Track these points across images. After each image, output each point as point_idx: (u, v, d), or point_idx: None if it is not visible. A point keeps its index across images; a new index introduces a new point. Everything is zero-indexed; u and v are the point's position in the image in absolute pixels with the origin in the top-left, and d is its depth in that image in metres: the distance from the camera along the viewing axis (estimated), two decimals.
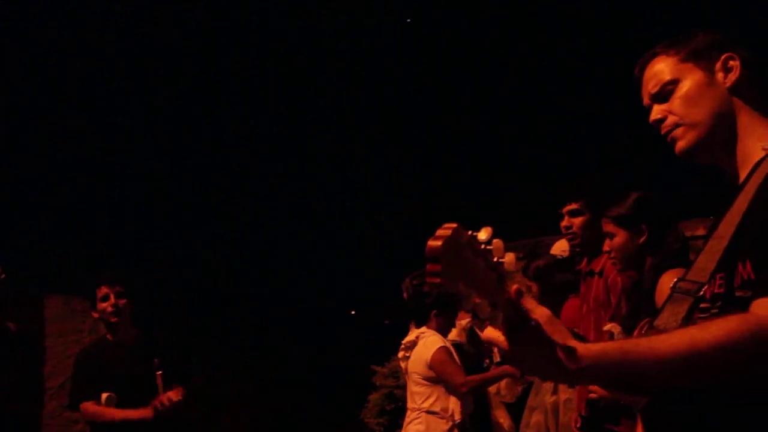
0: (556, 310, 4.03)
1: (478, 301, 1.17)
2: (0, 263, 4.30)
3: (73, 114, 6.55)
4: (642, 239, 2.99)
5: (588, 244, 3.52)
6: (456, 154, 8.11)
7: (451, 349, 4.89)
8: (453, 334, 5.29)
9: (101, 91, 6.59)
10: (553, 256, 4.89)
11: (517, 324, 1.25)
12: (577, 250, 3.84)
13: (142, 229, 7.23)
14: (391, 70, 7.54)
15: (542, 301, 4.19)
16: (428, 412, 4.81)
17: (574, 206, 3.56)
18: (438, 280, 1.08)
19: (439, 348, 4.79)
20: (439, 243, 1.08)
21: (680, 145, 1.63)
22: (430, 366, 4.78)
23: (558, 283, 4.42)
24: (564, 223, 3.59)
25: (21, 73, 6.20)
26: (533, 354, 1.26)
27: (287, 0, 6.58)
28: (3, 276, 4.28)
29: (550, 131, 7.59)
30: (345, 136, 7.94)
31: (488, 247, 1.20)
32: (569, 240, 3.67)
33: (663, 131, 1.66)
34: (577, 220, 3.55)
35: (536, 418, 4.33)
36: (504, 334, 1.26)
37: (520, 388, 4.65)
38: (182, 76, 6.85)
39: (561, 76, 7.20)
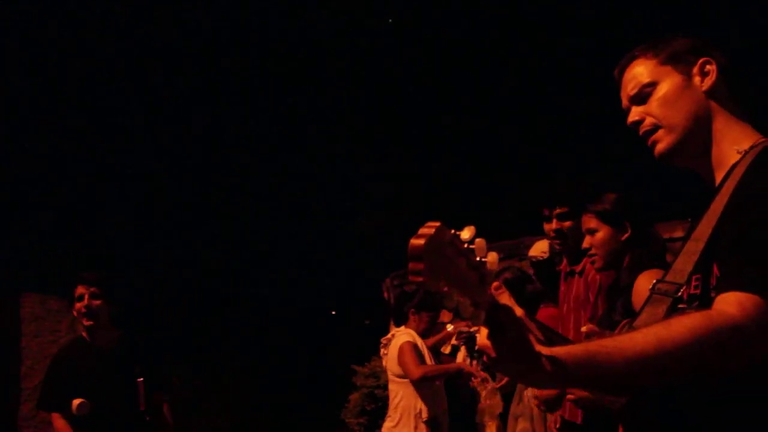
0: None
1: (460, 300, 1.16)
2: None
3: (61, 112, 6.48)
4: (625, 236, 2.99)
5: (575, 246, 3.55)
6: (439, 157, 8.14)
7: (419, 344, 4.94)
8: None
9: (92, 89, 6.53)
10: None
11: (498, 322, 1.25)
12: (557, 248, 3.86)
13: (123, 229, 7.17)
14: (373, 76, 7.55)
15: None
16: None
17: (564, 210, 3.58)
18: (420, 279, 1.07)
19: (403, 342, 4.85)
20: (421, 241, 1.07)
21: (659, 147, 1.65)
22: (399, 363, 4.87)
23: (528, 295, 4.44)
24: (553, 226, 3.60)
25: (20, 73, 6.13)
26: (512, 355, 1.26)
27: (287, 1, 6.56)
28: None
29: (533, 135, 7.64)
30: (329, 142, 7.93)
31: (471, 246, 1.19)
32: (558, 243, 3.68)
33: (641, 133, 1.68)
34: (567, 224, 3.57)
35: (522, 425, 4.34)
36: (487, 336, 1.25)
37: (498, 399, 4.66)
38: (181, 77, 6.81)
39: (544, 84, 7.25)
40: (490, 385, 4.55)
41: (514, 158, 7.80)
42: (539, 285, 4.66)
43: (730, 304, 1.33)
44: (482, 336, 1.29)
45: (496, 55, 7.20)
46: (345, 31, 6.94)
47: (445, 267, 1.11)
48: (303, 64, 7.16)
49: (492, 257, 1.24)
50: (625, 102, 1.73)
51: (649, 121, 1.66)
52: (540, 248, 5.11)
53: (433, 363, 5.05)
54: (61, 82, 6.26)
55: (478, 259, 1.21)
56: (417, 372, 4.80)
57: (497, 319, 1.24)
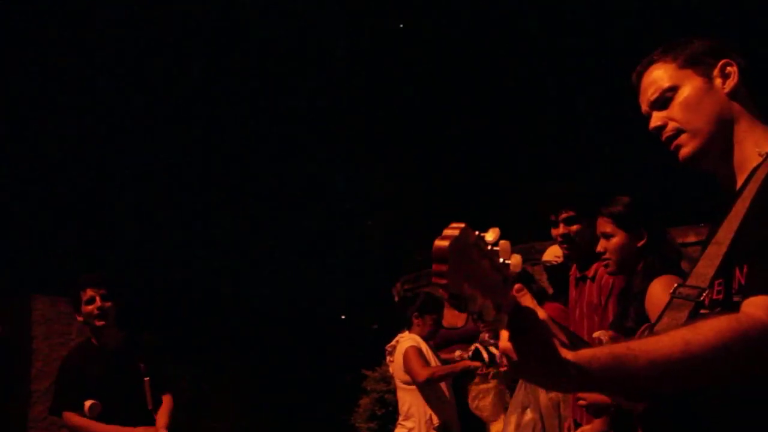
0: None
1: (484, 302, 1.15)
2: None
3: (66, 113, 6.52)
4: (641, 243, 2.95)
5: (583, 251, 3.51)
6: (450, 160, 8.13)
7: (423, 348, 4.90)
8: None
9: (97, 95, 6.57)
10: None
11: (520, 326, 1.23)
12: (566, 253, 3.82)
13: (134, 230, 7.19)
14: (379, 77, 7.55)
15: None
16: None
17: (571, 214, 3.54)
18: (444, 281, 1.05)
19: (408, 348, 4.81)
20: (446, 243, 1.06)
21: (684, 152, 1.63)
22: (405, 369, 4.83)
23: (534, 293, 4.40)
24: (560, 231, 3.56)
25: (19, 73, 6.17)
26: (534, 357, 1.25)
27: (288, 1, 6.58)
28: None
29: (544, 137, 7.62)
30: (339, 144, 7.94)
31: (495, 248, 1.17)
32: (566, 248, 3.65)
33: (664, 138, 1.66)
34: (574, 228, 3.53)
35: (530, 416, 4.26)
36: (509, 338, 1.24)
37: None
38: (180, 78, 6.83)
39: (553, 85, 7.24)
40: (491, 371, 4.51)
41: (525, 161, 7.78)
42: (542, 285, 4.63)
43: (759, 307, 1.31)
44: (503, 339, 1.28)
45: (507, 53, 7.20)
46: (347, 32, 6.95)
47: (468, 269, 1.10)
48: (304, 64, 7.18)
49: (515, 259, 1.22)
50: (644, 107, 1.70)
51: (671, 126, 1.64)
52: (553, 253, 5.07)
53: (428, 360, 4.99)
54: (65, 84, 6.29)
55: (501, 261, 1.19)
56: (423, 374, 4.74)
57: (520, 322, 1.23)
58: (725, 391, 1.39)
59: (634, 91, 1.75)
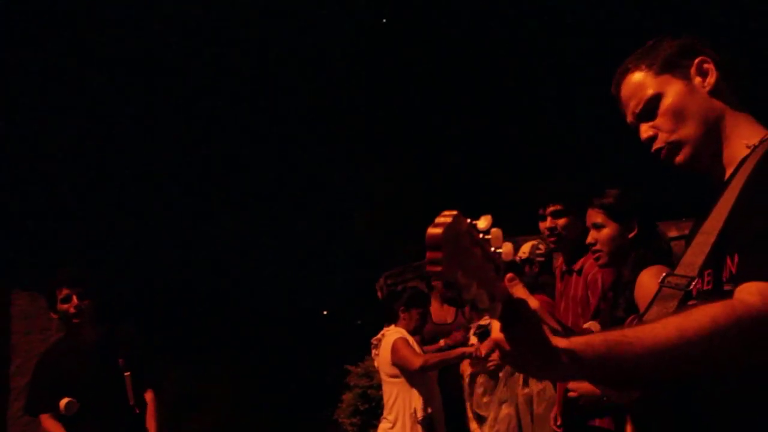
0: None
1: (477, 291, 1.13)
2: None
3: (55, 112, 6.44)
4: (632, 234, 2.95)
5: (570, 244, 3.53)
6: (435, 158, 8.13)
7: (410, 341, 4.90)
8: None
9: (95, 94, 6.50)
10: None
11: (512, 314, 1.22)
12: (552, 246, 3.83)
13: (118, 228, 7.12)
14: (369, 81, 7.54)
15: None
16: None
17: (558, 207, 3.55)
18: (439, 269, 1.04)
19: (396, 339, 4.79)
20: (440, 230, 1.04)
21: (678, 160, 1.64)
22: (392, 362, 4.81)
23: (524, 283, 4.41)
24: (547, 224, 3.57)
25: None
26: (526, 347, 1.24)
27: (288, 1, 6.55)
28: None
29: (529, 135, 7.65)
30: (323, 145, 7.92)
31: (487, 237, 1.16)
32: (553, 242, 3.67)
33: (654, 149, 1.66)
34: (561, 221, 3.55)
35: (506, 411, 4.30)
36: (501, 328, 1.23)
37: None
38: (179, 81, 6.77)
39: (541, 85, 7.26)
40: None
41: (510, 158, 7.81)
42: (531, 277, 4.64)
43: (752, 293, 1.31)
44: (495, 329, 1.27)
45: (495, 57, 7.22)
46: (345, 33, 6.93)
47: (462, 257, 1.08)
48: (304, 64, 7.15)
49: (507, 248, 1.21)
50: (630, 118, 1.70)
51: (662, 137, 1.64)
52: (525, 250, 5.13)
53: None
54: (62, 82, 6.22)
55: (493, 249, 1.18)
56: (417, 361, 4.68)
57: (512, 311, 1.22)
58: (719, 381, 1.39)
59: (615, 100, 1.74)
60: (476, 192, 7.89)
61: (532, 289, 4.27)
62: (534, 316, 1.24)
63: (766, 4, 5.83)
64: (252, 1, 6.45)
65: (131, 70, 6.47)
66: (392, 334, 4.96)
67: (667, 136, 1.62)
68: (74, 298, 4.08)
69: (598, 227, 3.00)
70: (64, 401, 3.97)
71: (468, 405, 4.87)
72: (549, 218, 3.57)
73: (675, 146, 1.62)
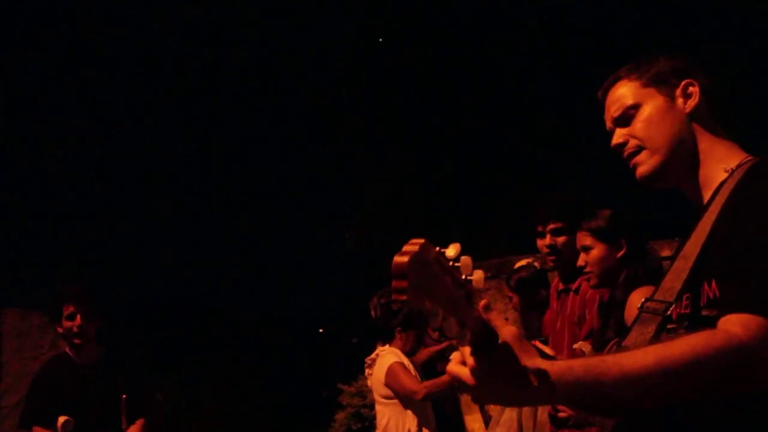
0: (537, 323, 4.01)
1: (445, 318, 1.13)
2: None
3: (52, 122, 6.44)
4: (620, 254, 2.97)
5: (568, 263, 3.52)
6: (428, 175, 8.14)
7: (406, 363, 4.85)
8: None
9: (89, 95, 6.50)
10: (535, 267, 4.87)
11: (486, 342, 1.22)
12: (551, 264, 3.82)
13: (108, 243, 7.10)
14: (365, 78, 7.55)
15: (523, 313, 4.10)
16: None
17: (558, 225, 3.54)
18: (404, 297, 1.04)
19: (391, 363, 4.75)
20: (405, 259, 1.05)
21: (642, 170, 1.66)
22: (386, 383, 4.75)
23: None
24: (546, 241, 3.55)
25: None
26: (500, 373, 1.24)
27: (287, 3, 6.57)
28: None
29: (525, 137, 7.65)
30: (319, 154, 7.92)
31: (456, 264, 1.16)
32: (552, 260, 3.65)
33: (625, 155, 1.68)
34: (561, 239, 3.53)
35: (508, 414, 4.24)
36: (471, 353, 1.22)
37: None
38: (177, 84, 6.78)
39: (536, 100, 7.29)
40: None
41: (510, 161, 7.82)
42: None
43: (734, 324, 1.31)
44: (454, 361, 1.26)
45: (488, 69, 7.25)
46: (344, 34, 6.96)
47: (429, 285, 1.09)
48: (301, 68, 7.17)
49: (478, 275, 1.20)
50: (608, 124, 1.73)
51: (632, 143, 1.66)
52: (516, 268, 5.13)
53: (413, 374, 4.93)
54: (57, 85, 6.23)
55: (464, 277, 1.18)
56: (420, 391, 4.57)
57: (484, 339, 1.21)
58: (700, 409, 1.38)
59: (600, 107, 1.77)
60: (476, 195, 7.89)
61: (529, 308, 4.25)
62: (508, 345, 1.23)
63: (765, 3, 5.87)
64: (252, 3, 6.49)
65: (131, 71, 6.48)
66: (387, 355, 4.89)
67: (637, 143, 1.65)
68: (79, 317, 4.06)
69: (587, 250, 3.04)
70: (61, 419, 3.90)
71: (465, 419, 4.82)
72: (549, 236, 3.55)
73: (643, 155, 1.65)
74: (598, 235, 3.00)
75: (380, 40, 7.40)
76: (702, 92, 1.66)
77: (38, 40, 5.99)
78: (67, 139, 6.65)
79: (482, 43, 7.28)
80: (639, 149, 1.65)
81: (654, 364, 1.26)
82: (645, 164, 1.65)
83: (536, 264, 5.47)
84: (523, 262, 5.41)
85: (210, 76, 7.06)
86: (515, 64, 7.47)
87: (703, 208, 1.58)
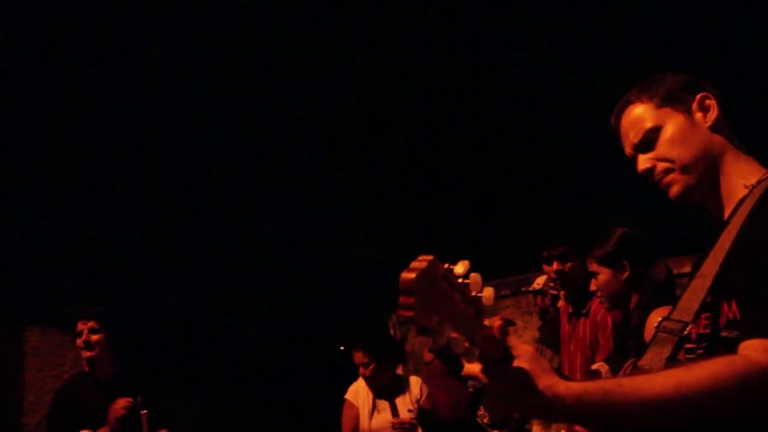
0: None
1: (453, 336, 1.12)
2: None
3: (53, 140, 6.52)
4: (624, 275, 2.99)
5: (577, 287, 3.49)
6: (442, 191, 8.11)
7: (351, 400, 4.77)
8: None
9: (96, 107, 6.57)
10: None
11: (497, 360, 1.21)
12: (559, 291, 3.79)
13: (128, 263, 7.16)
14: (372, 107, 7.58)
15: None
16: None
17: (565, 249, 3.51)
18: (411, 313, 1.03)
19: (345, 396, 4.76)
20: (412, 275, 1.04)
21: (674, 190, 1.61)
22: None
23: (552, 317, 4.36)
24: (554, 267, 3.52)
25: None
26: (512, 390, 1.23)
27: (284, 17, 6.62)
28: None
29: (534, 170, 7.62)
30: (323, 169, 7.93)
31: (465, 281, 1.16)
32: (560, 285, 3.62)
33: (654, 179, 1.64)
34: (568, 265, 3.51)
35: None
36: (482, 370, 1.22)
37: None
38: (175, 88, 6.83)
39: (546, 115, 7.26)
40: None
41: (521, 192, 7.77)
42: None
43: (755, 350, 1.28)
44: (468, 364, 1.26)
45: (506, 84, 7.24)
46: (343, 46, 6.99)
47: (437, 301, 1.08)
48: (299, 76, 7.20)
49: (488, 292, 1.19)
50: (628, 150, 1.69)
51: (660, 166, 1.62)
52: (537, 282, 5.12)
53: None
54: (65, 89, 6.30)
55: (473, 294, 1.17)
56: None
57: (494, 356, 1.20)
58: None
59: (614, 133, 1.73)
60: (494, 211, 7.83)
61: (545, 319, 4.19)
62: (520, 363, 1.22)
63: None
64: (250, 19, 6.54)
65: (128, 74, 6.51)
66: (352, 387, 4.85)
67: (666, 165, 1.61)
68: (85, 332, 4.12)
69: (594, 275, 3.09)
70: None
71: None
72: (556, 262, 3.52)
73: (673, 175, 1.60)
74: (601, 260, 3.04)
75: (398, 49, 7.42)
76: (718, 104, 1.62)
77: (37, 41, 6.06)
78: (84, 157, 6.71)
79: (502, 52, 7.27)
80: (668, 171, 1.61)
81: (673, 389, 1.25)
82: (677, 184, 1.60)
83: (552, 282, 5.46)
84: (540, 279, 5.39)
85: (230, 91, 7.12)
86: (536, 73, 7.45)
87: (722, 225, 1.54)
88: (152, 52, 6.52)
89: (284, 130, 7.76)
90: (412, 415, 4.58)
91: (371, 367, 4.69)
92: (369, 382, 4.74)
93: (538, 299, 5.43)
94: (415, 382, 4.92)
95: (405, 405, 4.72)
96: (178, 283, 7.33)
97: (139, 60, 6.57)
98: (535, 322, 5.53)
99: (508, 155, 7.67)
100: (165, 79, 6.73)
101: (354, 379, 4.92)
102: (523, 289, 5.51)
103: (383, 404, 4.73)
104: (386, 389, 4.75)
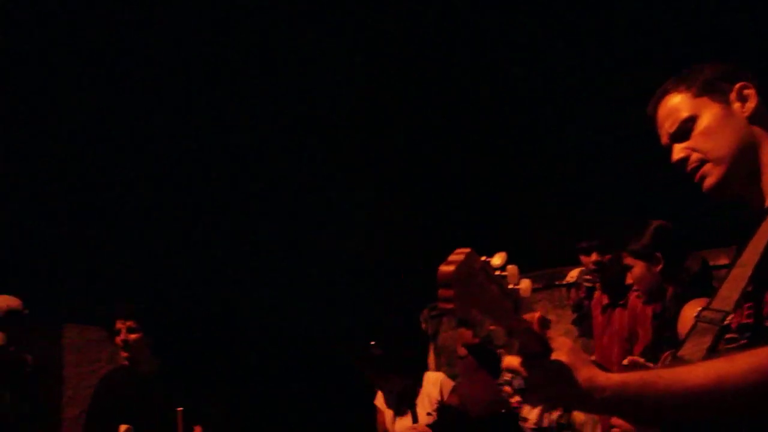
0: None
1: (492, 328, 1.13)
2: (22, 298, 4.37)
3: (93, 145, 6.62)
4: (658, 267, 2.99)
5: (614, 279, 3.49)
6: (442, 191, 8.09)
7: (379, 406, 4.78)
8: None
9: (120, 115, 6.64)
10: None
11: (536, 353, 1.22)
12: (600, 284, 3.78)
13: (167, 259, 7.24)
14: (366, 89, 7.55)
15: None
16: None
17: (603, 242, 3.53)
18: (451, 306, 1.05)
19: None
20: (451, 268, 1.05)
21: (709, 181, 1.59)
22: None
23: (585, 311, 4.37)
24: (592, 258, 3.54)
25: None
26: (551, 382, 1.23)
27: (284, 17, 6.63)
28: (26, 312, 4.38)
29: (569, 162, 7.56)
30: (323, 169, 7.93)
31: (503, 273, 1.16)
32: (598, 276, 3.63)
33: (688, 170, 1.62)
34: (608, 255, 3.52)
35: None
36: (521, 363, 1.23)
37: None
38: (173, 92, 6.88)
39: (582, 107, 7.20)
40: None
41: (550, 186, 7.72)
42: None
43: None
44: (508, 356, 1.26)
45: (506, 84, 7.21)
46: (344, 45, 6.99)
47: (476, 294, 1.09)
48: (299, 77, 7.21)
49: (525, 284, 1.20)
50: (664, 139, 1.67)
51: (695, 156, 1.60)
52: (570, 275, 5.12)
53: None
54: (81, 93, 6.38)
55: (510, 286, 1.18)
56: None
57: (532, 348, 1.21)
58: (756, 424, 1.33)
59: (651, 123, 1.72)
60: (506, 217, 7.77)
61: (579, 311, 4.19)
62: (559, 355, 1.23)
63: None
64: (250, 19, 6.57)
65: (127, 75, 6.56)
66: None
67: (701, 156, 1.59)
68: (123, 331, 4.17)
69: (630, 269, 3.10)
70: (123, 428, 4.00)
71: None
72: (595, 253, 3.53)
73: (707, 167, 1.59)
74: (635, 254, 3.06)
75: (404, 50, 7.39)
76: (758, 94, 1.60)
77: (37, 42, 6.13)
78: (84, 157, 6.78)
79: (502, 52, 7.24)
80: (702, 162, 1.59)
81: (715, 380, 1.24)
82: (711, 176, 1.58)
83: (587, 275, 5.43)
84: (574, 272, 5.37)
85: (229, 91, 7.16)
86: (536, 73, 7.40)
87: (762, 212, 1.52)
88: (152, 52, 6.58)
89: (284, 130, 7.79)
90: (431, 418, 4.58)
91: (388, 376, 4.72)
92: (387, 390, 4.78)
93: (572, 292, 5.42)
94: (434, 380, 4.87)
95: (424, 408, 4.71)
96: (178, 283, 7.33)
97: (139, 60, 6.63)
98: (568, 315, 5.50)
99: (507, 155, 7.65)
100: (165, 79, 6.79)
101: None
102: (557, 283, 5.48)
103: (406, 408, 4.75)
104: (406, 394, 4.75)
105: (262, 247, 8.10)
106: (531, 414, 4.37)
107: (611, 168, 7.35)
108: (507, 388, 4.60)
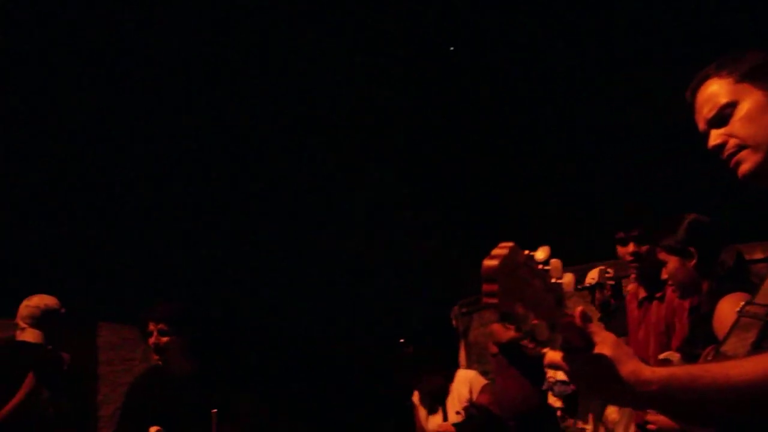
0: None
1: (535, 322, 1.10)
2: (58, 297, 4.41)
3: (127, 153, 6.58)
4: (692, 262, 2.94)
5: (651, 270, 3.44)
6: (443, 191, 8.06)
7: (416, 402, 4.80)
8: None
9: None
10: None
11: (579, 347, 1.20)
12: (637, 274, 3.73)
13: (200, 259, 7.21)
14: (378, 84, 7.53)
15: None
16: None
17: (641, 232, 3.47)
18: (495, 300, 1.03)
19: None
20: (495, 262, 1.04)
21: (744, 168, 1.55)
22: None
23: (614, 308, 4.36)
24: (630, 249, 3.48)
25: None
26: (596, 376, 1.21)
27: (284, 17, 6.61)
28: (63, 311, 4.42)
29: (534, 170, 7.56)
30: (323, 169, 7.90)
31: (546, 267, 1.15)
32: (635, 267, 3.58)
33: (724, 155, 1.58)
34: (645, 247, 3.47)
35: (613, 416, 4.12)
36: (563, 357, 1.21)
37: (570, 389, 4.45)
38: (173, 95, 6.85)
39: (546, 115, 7.21)
40: None
41: (581, 182, 7.69)
42: None
43: None
44: (550, 353, 1.23)
45: (506, 84, 7.20)
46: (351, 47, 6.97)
47: (519, 288, 1.08)
48: (304, 75, 7.18)
49: (568, 278, 1.19)
50: (702, 125, 1.63)
51: (732, 142, 1.56)
52: (591, 276, 5.11)
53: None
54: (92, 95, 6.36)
55: (553, 280, 1.17)
56: None
57: (575, 342, 1.20)
58: None
59: (689, 108, 1.68)
60: (536, 213, 7.73)
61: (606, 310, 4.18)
62: (602, 349, 1.20)
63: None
64: (250, 19, 6.54)
65: (128, 77, 6.53)
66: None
67: (738, 141, 1.55)
68: (155, 334, 4.09)
69: (665, 264, 3.05)
70: (153, 429, 3.91)
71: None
72: (632, 243, 3.48)
73: (744, 153, 1.55)
74: (668, 249, 3.01)
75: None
76: None
77: (37, 43, 6.09)
78: (84, 157, 6.75)
79: (502, 52, 7.23)
80: (740, 148, 1.55)
81: (764, 375, 1.21)
82: (747, 162, 1.54)
83: (609, 270, 5.39)
84: (594, 274, 5.33)
85: (233, 92, 7.14)
86: (536, 73, 7.40)
87: None
88: (152, 52, 6.55)
89: (284, 130, 7.77)
90: (459, 417, 4.55)
91: (420, 375, 4.74)
92: (420, 389, 4.81)
93: (596, 293, 5.38)
94: (464, 379, 4.86)
95: (453, 407, 4.70)
96: (178, 283, 7.29)
97: (139, 60, 6.60)
98: (594, 316, 5.46)
99: (507, 154, 7.64)
100: (165, 79, 6.76)
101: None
102: (579, 287, 5.43)
103: (438, 406, 4.77)
104: (438, 393, 4.76)
105: (262, 247, 8.07)
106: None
107: (647, 166, 7.28)
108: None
